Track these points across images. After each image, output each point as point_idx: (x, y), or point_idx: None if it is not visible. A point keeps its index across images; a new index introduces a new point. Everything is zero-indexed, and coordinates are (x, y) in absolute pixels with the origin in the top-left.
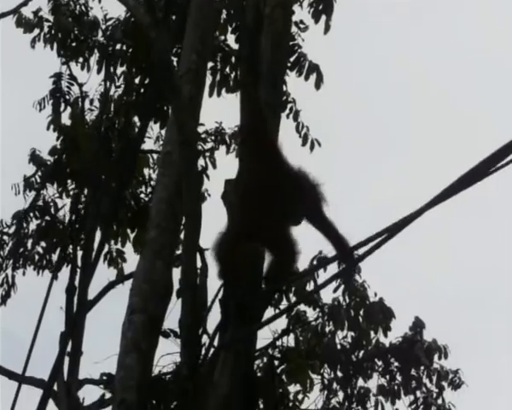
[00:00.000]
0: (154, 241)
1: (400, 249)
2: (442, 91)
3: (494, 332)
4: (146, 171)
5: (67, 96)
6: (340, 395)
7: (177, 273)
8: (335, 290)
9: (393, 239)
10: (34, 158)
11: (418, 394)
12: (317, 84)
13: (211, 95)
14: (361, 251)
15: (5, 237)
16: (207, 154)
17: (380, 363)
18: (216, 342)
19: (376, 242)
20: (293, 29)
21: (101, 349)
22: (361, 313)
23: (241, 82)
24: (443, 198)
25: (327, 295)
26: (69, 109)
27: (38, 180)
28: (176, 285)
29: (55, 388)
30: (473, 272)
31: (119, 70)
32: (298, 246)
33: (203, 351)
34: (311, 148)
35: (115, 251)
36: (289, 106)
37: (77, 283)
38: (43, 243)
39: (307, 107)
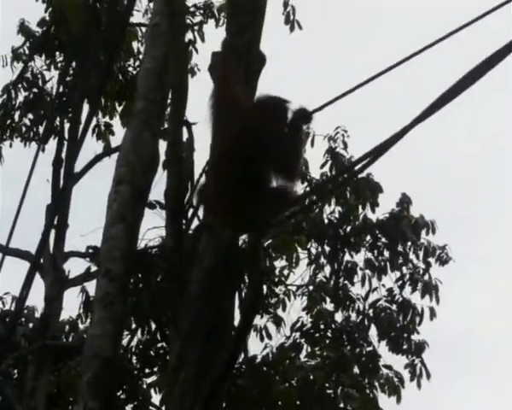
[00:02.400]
0: (141, 112)
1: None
2: None
3: (483, 210)
4: (134, 44)
5: None
6: (327, 269)
7: (163, 146)
8: (323, 166)
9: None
10: (23, 29)
11: (405, 270)
12: None
13: None
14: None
15: None
16: (196, 27)
17: (367, 238)
18: (201, 214)
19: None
20: None
21: (88, 223)
22: (348, 188)
23: None
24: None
25: (315, 171)
26: None
27: (27, 52)
28: (162, 157)
29: (41, 260)
30: (464, 156)
31: None
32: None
33: (188, 223)
34: (291, 29)
35: (103, 124)
36: None
37: (63, 155)
38: (30, 115)
39: None
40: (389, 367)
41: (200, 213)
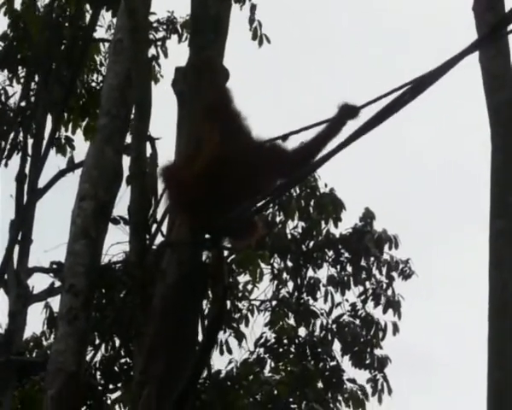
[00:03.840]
0: (104, 127)
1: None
2: None
3: (445, 226)
4: (97, 59)
5: None
6: (290, 285)
7: (127, 161)
8: None
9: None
10: None
11: (368, 285)
12: None
13: None
14: None
15: None
16: (159, 43)
17: (330, 253)
18: (164, 229)
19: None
20: None
21: (51, 238)
22: (311, 203)
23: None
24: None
25: None
26: None
27: None
28: (126, 173)
29: (5, 276)
30: (425, 166)
31: None
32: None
33: (152, 238)
34: (260, 43)
35: (64, 138)
36: None
37: (27, 171)
38: None
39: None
40: (353, 381)
41: (164, 228)
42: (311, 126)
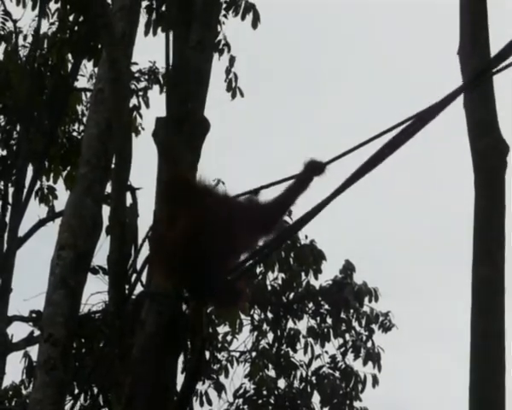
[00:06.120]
0: (84, 177)
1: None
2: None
3: (425, 277)
4: (79, 108)
5: (1, 32)
6: (270, 336)
7: (107, 211)
8: None
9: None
10: None
11: (347, 337)
12: (254, 24)
13: (146, 34)
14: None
15: None
16: (141, 93)
17: (310, 305)
18: (144, 279)
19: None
20: None
21: (31, 287)
22: (292, 254)
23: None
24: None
25: None
26: (3, 45)
27: None
28: (106, 222)
29: None
30: (408, 218)
31: (54, 7)
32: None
33: (131, 288)
34: (233, 96)
35: (47, 188)
36: (223, 48)
37: (7, 219)
38: None
39: (248, 50)
40: None
41: (144, 278)
42: (281, 181)
